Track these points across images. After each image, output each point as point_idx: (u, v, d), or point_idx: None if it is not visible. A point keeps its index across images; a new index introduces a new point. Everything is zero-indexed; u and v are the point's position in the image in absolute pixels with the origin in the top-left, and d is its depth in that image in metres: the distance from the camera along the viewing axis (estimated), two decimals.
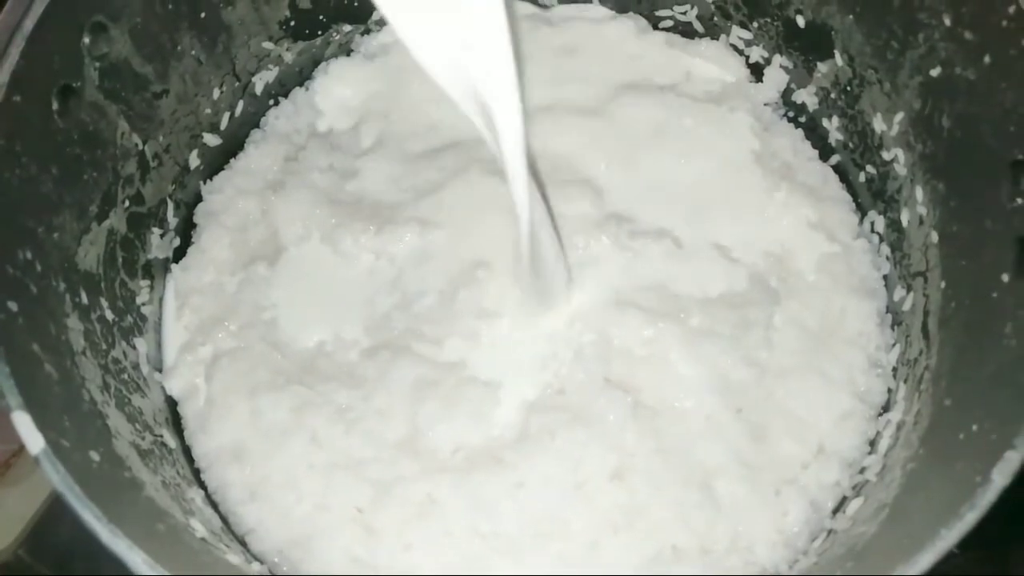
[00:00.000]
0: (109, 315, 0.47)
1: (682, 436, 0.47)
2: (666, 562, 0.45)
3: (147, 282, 0.52)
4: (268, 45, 0.57)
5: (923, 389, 0.45)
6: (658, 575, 0.44)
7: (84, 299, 0.45)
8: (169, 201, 0.54)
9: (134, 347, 0.49)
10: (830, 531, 0.45)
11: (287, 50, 0.58)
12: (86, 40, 0.45)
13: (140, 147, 0.51)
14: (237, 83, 0.57)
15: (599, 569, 0.45)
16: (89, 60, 0.45)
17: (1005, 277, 0.40)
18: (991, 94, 0.42)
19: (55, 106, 0.44)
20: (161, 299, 0.53)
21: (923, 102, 0.48)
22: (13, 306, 0.38)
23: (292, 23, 0.57)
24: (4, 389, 0.36)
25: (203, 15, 0.52)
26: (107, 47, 0.46)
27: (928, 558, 0.33)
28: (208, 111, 0.55)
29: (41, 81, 0.42)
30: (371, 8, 0.59)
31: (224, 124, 0.57)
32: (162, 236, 0.53)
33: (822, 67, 0.55)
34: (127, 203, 0.50)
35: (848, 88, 0.54)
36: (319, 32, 0.59)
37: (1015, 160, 0.41)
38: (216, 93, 0.55)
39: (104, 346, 0.46)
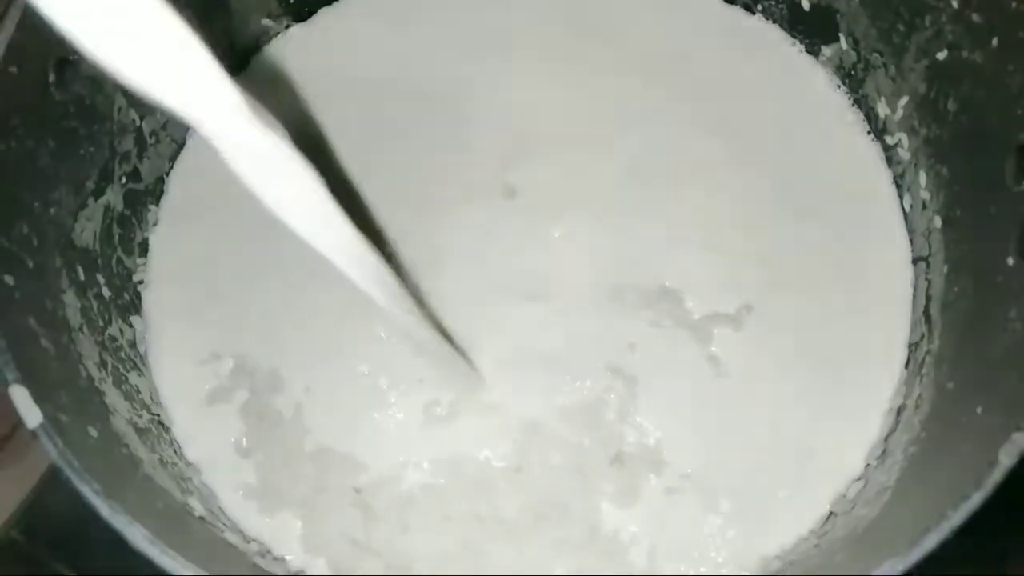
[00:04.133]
0: (106, 292, 0.47)
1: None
2: None
3: (143, 260, 0.51)
4: (267, 22, 0.56)
5: (924, 373, 0.45)
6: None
7: (81, 275, 0.44)
8: (167, 179, 0.53)
9: (131, 325, 0.48)
10: (830, 514, 0.45)
11: (287, 27, 0.57)
12: None
13: (138, 123, 0.50)
14: (235, 63, 0.56)
15: (598, 555, 0.45)
16: None
17: (1010, 261, 0.40)
18: (998, 77, 0.42)
19: (52, 78, 0.43)
20: None
21: (928, 86, 0.48)
22: (9, 280, 0.38)
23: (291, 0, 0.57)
24: (1, 364, 0.36)
25: None
26: None
27: (933, 539, 0.33)
28: None
29: (38, 53, 0.42)
30: None
31: None
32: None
33: (827, 51, 0.54)
34: (124, 180, 0.49)
35: (852, 72, 0.53)
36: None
37: (1020, 144, 0.41)
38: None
39: (101, 323, 0.45)
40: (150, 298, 0.50)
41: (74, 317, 0.43)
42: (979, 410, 0.38)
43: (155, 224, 0.52)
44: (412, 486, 0.46)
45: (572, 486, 0.46)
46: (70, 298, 0.43)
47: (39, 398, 0.35)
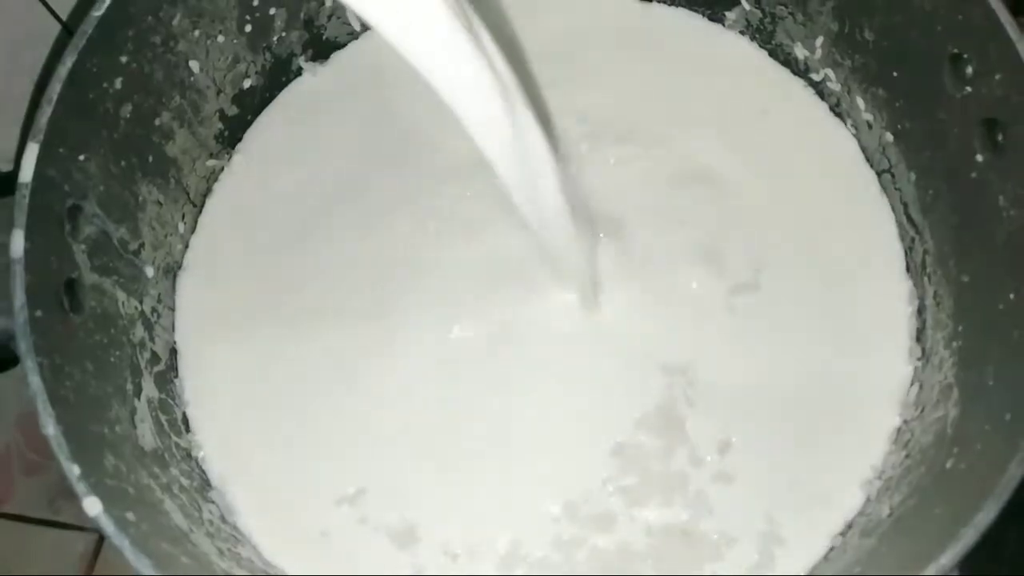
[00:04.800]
0: (185, 482, 0.46)
1: None
2: None
3: (191, 434, 0.51)
4: (212, 163, 0.56)
5: (930, 273, 0.50)
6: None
7: (163, 478, 0.44)
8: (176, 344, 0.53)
9: (213, 501, 0.48)
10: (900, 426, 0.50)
11: (230, 160, 0.57)
12: (68, 227, 0.43)
13: (139, 308, 0.49)
14: (195, 208, 0.55)
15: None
16: (76, 246, 0.44)
17: (979, 157, 0.45)
18: (909, 1, 0.47)
19: (66, 304, 0.42)
20: None
21: (840, 23, 0.53)
22: (131, 516, 0.38)
23: (226, 133, 0.56)
24: None
25: (150, 159, 0.51)
26: (86, 226, 0.45)
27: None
28: (180, 246, 0.54)
29: (48, 285, 0.41)
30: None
31: None
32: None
33: (730, 16, 0.58)
34: (149, 367, 0.49)
35: (760, 28, 0.57)
36: None
37: (952, 54, 0.46)
38: (181, 227, 0.54)
39: (197, 513, 0.45)
40: (213, 469, 0.50)
41: (181, 521, 0.43)
42: (1000, 307, 0.42)
43: (184, 395, 0.52)
44: None
45: None
46: (169, 505, 0.43)
47: None
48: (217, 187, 0.56)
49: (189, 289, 0.54)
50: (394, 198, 0.55)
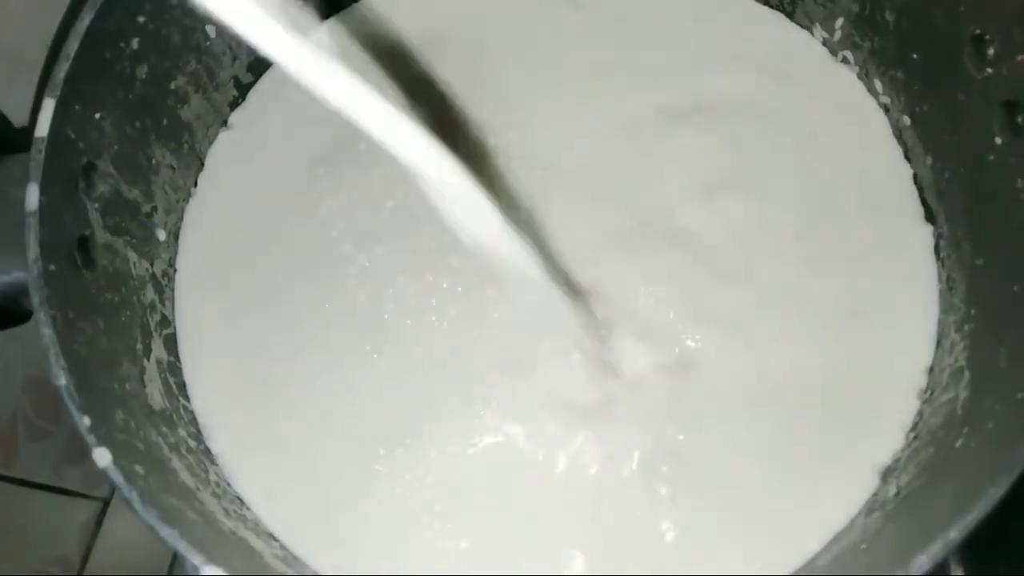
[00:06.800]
0: (192, 443, 0.46)
1: None
2: None
3: (190, 400, 0.51)
4: (224, 130, 0.56)
5: (943, 257, 0.50)
6: None
7: (171, 438, 0.44)
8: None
9: (217, 463, 0.48)
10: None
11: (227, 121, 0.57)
12: (82, 185, 0.44)
13: (151, 270, 0.49)
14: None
15: None
16: (90, 204, 0.44)
17: (998, 140, 0.45)
18: None
19: (79, 260, 0.42)
20: None
21: (861, 4, 0.52)
22: (140, 469, 0.38)
23: (240, 100, 0.56)
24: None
25: (165, 121, 0.51)
26: (100, 184, 0.45)
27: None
28: None
29: (62, 241, 0.41)
30: None
31: None
32: None
33: None
34: (159, 329, 0.49)
35: (781, 7, 0.57)
36: None
37: (974, 35, 0.45)
38: (193, 192, 0.54)
39: (204, 474, 0.45)
40: (211, 435, 0.50)
41: (188, 480, 0.43)
42: (1015, 288, 0.42)
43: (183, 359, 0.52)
44: None
45: None
46: (176, 463, 0.43)
47: None
48: (216, 147, 0.55)
49: (188, 253, 0.53)
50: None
